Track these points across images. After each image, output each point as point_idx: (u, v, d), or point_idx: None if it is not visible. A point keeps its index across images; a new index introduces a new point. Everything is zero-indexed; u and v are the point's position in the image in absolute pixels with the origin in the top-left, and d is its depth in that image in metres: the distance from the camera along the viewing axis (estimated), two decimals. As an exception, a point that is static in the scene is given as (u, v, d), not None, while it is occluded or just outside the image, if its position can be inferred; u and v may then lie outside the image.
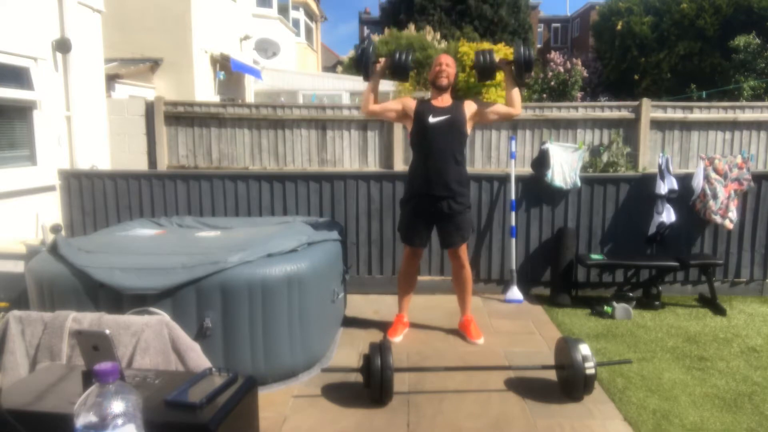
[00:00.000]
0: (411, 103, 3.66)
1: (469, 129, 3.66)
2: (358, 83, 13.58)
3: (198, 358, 2.53)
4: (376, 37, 18.33)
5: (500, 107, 3.71)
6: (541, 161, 4.75)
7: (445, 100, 3.63)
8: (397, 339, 3.73)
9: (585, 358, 2.80)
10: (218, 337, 2.89)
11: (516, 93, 3.63)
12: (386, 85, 13.53)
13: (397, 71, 3.61)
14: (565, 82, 17.09)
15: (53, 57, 5.17)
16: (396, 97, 12.04)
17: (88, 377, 1.47)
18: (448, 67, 3.63)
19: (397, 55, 3.56)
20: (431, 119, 3.55)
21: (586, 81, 19.26)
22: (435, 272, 4.84)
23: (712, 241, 4.76)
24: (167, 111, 7.97)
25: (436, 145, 3.54)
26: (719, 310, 4.36)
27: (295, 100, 13.78)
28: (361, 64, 3.63)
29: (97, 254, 3.04)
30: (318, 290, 3.24)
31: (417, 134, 3.62)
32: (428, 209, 3.60)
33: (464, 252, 3.75)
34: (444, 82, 3.61)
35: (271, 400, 2.86)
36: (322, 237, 3.55)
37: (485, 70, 3.62)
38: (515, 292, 4.63)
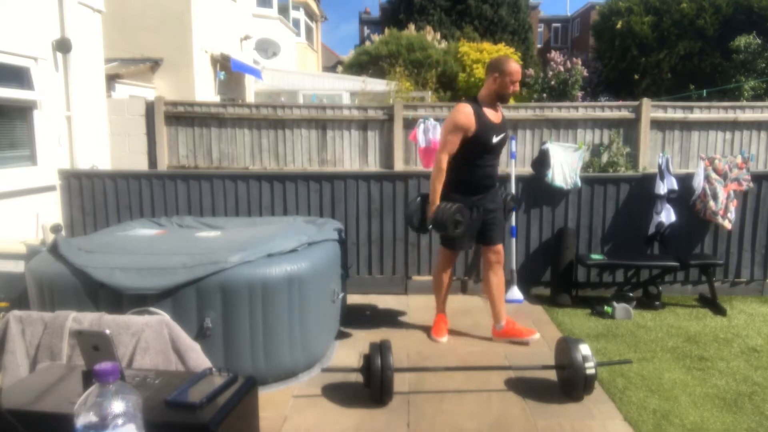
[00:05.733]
0: (469, 122, 3.35)
1: None
2: (358, 83, 13.59)
3: (198, 358, 2.53)
4: (376, 37, 18.30)
5: None
6: (542, 161, 4.75)
7: (498, 115, 3.51)
8: (443, 339, 3.73)
9: (585, 358, 2.80)
10: (218, 337, 2.89)
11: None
12: (380, 85, 13.54)
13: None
14: (566, 82, 17.09)
15: (53, 57, 5.17)
16: (396, 97, 12.08)
17: (89, 377, 1.47)
18: (518, 81, 3.45)
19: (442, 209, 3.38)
20: (495, 139, 3.44)
21: (586, 81, 19.24)
22: (435, 272, 4.83)
23: (713, 241, 4.76)
24: (167, 111, 7.97)
25: (495, 163, 3.54)
26: (719, 310, 4.36)
27: (296, 100, 13.78)
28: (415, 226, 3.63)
29: (97, 254, 3.04)
30: (318, 290, 3.24)
31: (476, 151, 3.41)
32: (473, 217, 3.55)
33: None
34: (510, 96, 3.48)
35: (271, 400, 2.86)
36: (322, 237, 3.55)
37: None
38: (515, 292, 4.63)
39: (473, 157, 3.42)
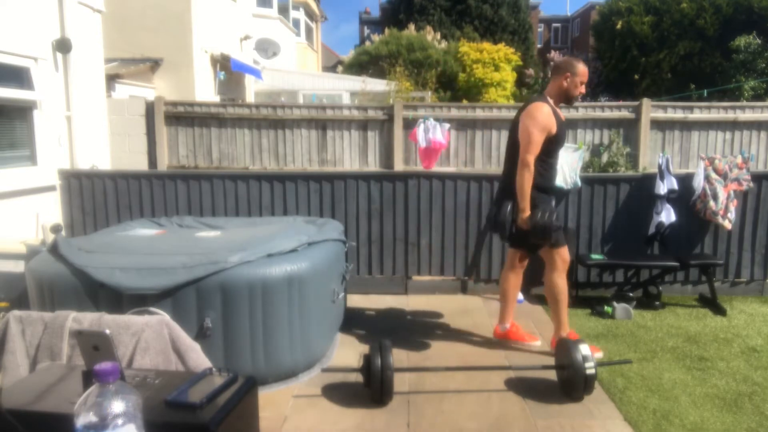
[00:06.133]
0: (551, 121, 3.28)
1: None
2: (358, 83, 13.59)
3: (198, 358, 2.53)
4: (376, 37, 18.31)
5: None
6: (542, 161, 4.74)
7: (562, 113, 3.47)
8: (537, 343, 3.69)
9: (585, 358, 2.80)
10: (218, 337, 2.89)
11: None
12: (380, 86, 13.55)
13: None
14: (566, 82, 17.09)
15: (53, 57, 5.17)
16: (396, 97, 12.08)
17: (89, 377, 1.47)
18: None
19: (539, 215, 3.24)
20: (565, 137, 3.49)
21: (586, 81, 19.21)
22: (435, 272, 4.84)
23: (713, 241, 4.76)
24: (167, 111, 7.96)
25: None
26: (719, 310, 4.36)
27: (296, 100, 13.78)
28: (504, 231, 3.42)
29: (97, 254, 3.04)
30: (318, 290, 3.24)
31: (551, 150, 3.37)
32: None
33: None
34: (577, 97, 3.41)
35: (271, 400, 2.86)
36: (322, 237, 3.55)
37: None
38: (515, 292, 4.62)
39: (548, 156, 3.37)
